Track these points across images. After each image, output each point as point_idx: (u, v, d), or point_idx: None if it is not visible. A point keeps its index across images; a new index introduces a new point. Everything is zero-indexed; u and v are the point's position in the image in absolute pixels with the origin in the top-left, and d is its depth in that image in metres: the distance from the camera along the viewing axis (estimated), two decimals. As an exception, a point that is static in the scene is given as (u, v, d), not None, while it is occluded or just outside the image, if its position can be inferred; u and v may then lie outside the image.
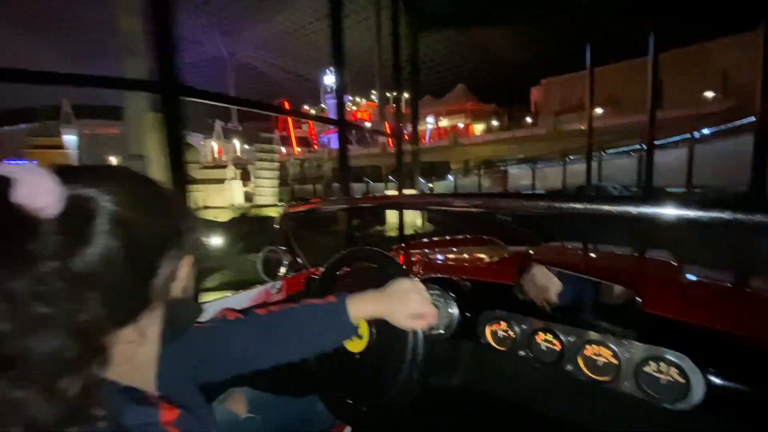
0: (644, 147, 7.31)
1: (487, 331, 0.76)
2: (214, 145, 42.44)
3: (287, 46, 59.24)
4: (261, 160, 15.66)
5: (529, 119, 37.46)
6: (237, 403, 0.87)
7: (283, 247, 1.19)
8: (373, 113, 49.91)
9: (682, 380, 0.53)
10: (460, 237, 1.67)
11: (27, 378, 0.30)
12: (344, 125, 3.64)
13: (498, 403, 0.78)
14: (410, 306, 0.66)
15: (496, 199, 0.75)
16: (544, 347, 0.68)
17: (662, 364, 0.55)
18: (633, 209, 0.53)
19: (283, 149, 48.10)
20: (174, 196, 0.51)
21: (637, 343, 0.58)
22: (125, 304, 0.42)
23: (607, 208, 0.55)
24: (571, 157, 11.23)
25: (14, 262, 0.30)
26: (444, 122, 50.28)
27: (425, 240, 1.94)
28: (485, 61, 62.62)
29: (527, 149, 16.10)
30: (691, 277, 0.95)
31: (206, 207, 12.18)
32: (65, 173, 0.37)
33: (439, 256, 1.30)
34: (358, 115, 51.04)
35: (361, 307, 0.68)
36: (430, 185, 16.78)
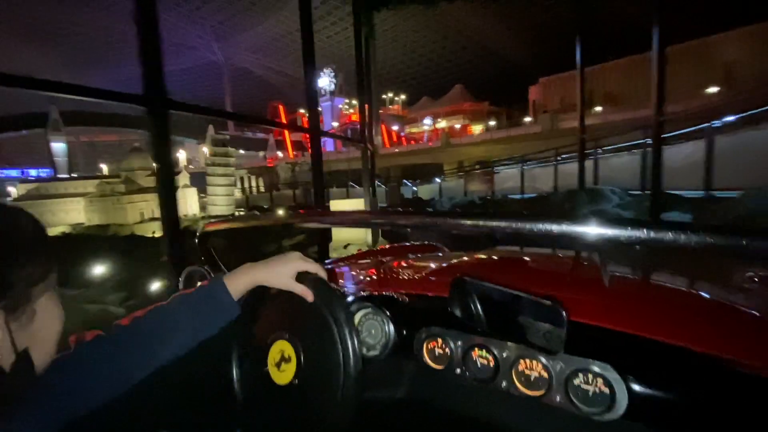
0: (648, 142, 6.08)
1: (424, 348, 0.74)
2: (206, 150, 41.78)
3: (282, 49, 58.85)
4: (214, 165, 14.45)
5: (528, 118, 36.40)
6: None
7: (206, 266, 1.14)
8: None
9: (607, 390, 0.55)
10: (401, 246, 1.67)
11: None
12: (318, 134, 3.72)
13: (437, 423, 0.76)
14: (290, 265, 0.68)
15: (424, 217, 0.70)
16: (479, 364, 0.67)
17: (589, 375, 0.56)
18: (555, 228, 0.55)
19: (280, 153, 47.58)
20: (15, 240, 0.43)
21: (566, 356, 0.59)
22: None
23: (529, 226, 0.56)
24: (564, 155, 10.14)
25: None
26: (442, 123, 49.40)
27: (361, 251, 1.84)
28: (483, 60, 61.83)
29: (523, 149, 15.04)
30: (620, 283, 0.93)
31: (152, 219, 11.15)
32: None
33: (373, 270, 1.28)
34: (353, 118, 50.14)
35: (240, 280, 0.68)
36: (415, 188, 15.88)
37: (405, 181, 17.79)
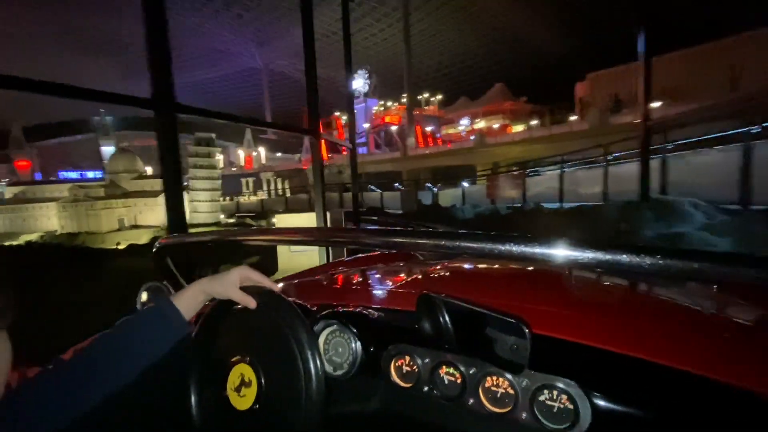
0: (755, 131, 3.98)
1: (392, 366, 0.72)
2: (241, 153, 42.18)
3: (318, 52, 58.85)
4: (196, 167, 13.01)
5: (573, 117, 33.25)
6: None
7: (164, 282, 1.09)
8: (402, 117, 47.62)
9: (571, 406, 0.54)
10: (367, 255, 1.63)
11: None
12: (317, 136, 3.51)
13: None
14: (233, 274, 0.69)
15: (390, 237, 0.71)
16: (447, 381, 0.66)
17: (554, 392, 0.56)
18: (528, 250, 0.56)
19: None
20: None
21: (532, 372, 0.58)
22: None
23: (506, 248, 0.57)
24: (616, 154, 8.01)
25: None
26: (480, 124, 46.89)
27: (334, 261, 1.89)
28: (524, 58, 58.42)
29: (566, 148, 12.84)
30: (587, 295, 0.94)
31: (134, 227, 10.18)
32: None
33: (338, 283, 1.24)
34: (387, 119, 48.87)
35: (187, 295, 0.67)
36: (435, 191, 14.01)
37: (428, 185, 16.01)
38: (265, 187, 27.33)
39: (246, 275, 0.70)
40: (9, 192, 27.09)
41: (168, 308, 0.65)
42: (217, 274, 0.70)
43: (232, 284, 0.68)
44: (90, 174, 46.29)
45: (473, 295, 0.63)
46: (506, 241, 0.56)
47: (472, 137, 33.21)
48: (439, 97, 54.09)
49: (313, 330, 0.73)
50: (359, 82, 51.55)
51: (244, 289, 0.69)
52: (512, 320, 0.56)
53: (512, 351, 0.58)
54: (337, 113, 53.06)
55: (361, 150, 48.03)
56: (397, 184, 16.19)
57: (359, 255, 1.65)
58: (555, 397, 0.56)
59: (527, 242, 0.56)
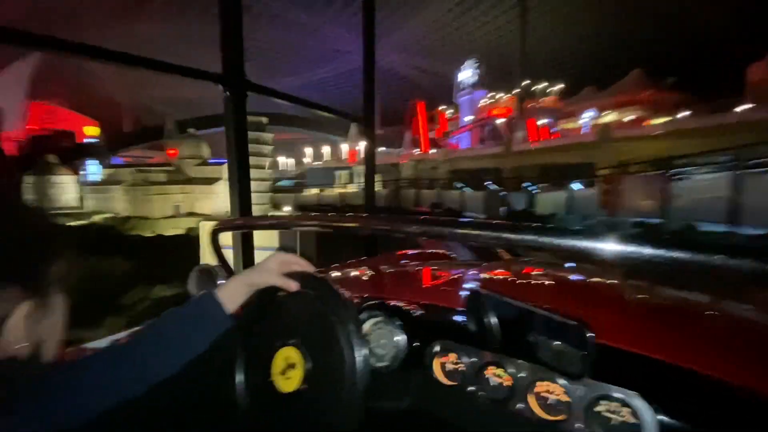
0: None
1: (436, 362, 0.71)
2: (344, 147, 43.57)
3: (426, 46, 57.79)
4: None
5: (742, 107, 25.47)
6: None
7: (216, 264, 1.12)
8: (513, 109, 43.51)
9: (634, 420, 0.51)
10: (413, 253, 1.62)
11: None
12: (368, 123, 2.88)
13: None
14: (274, 261, 0.70)
15: (437, 226, 0.67)
16: (494, 383, 0.64)
17: (613, 403, 0.53)
18: (579, 243, 0.52)
19: (416, 150, 46.54)
20: (22, 213, 0.47)
21: (589, 380, 0.55)
22: None
23: (554, 241, 0.54)
24: None
25: None
26: (609, 116, 40.04)
27: (376, 257, 1.72)
28: (671, 37, 48.22)
29: (726, 144, 9.13)
30: (656, 306, 0.90)
31: (191, 213, 10.08)
32: None
33: (385, 278, 1.23)
34: (494, 112, 45.21)
35: (231, 288, 0.69)
36: (533, 191, 11.23)
37: (527, 184, 13.33)
38: (356, 180, 27.32)
39: (285, 260, 0.72)
40: (104, 174, 30.26)
41: (211, 304, 0.67)
42: (257, 264, 0.72)
43: (271, 271, 0.70)
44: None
45: (524, 298, 0.60)
46: (551, 233, 0.52)
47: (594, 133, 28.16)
48: (559, 87, 47.92)
49: (357, 314, 0.71)
50: (467, 73, 48.67)
51: (286, 274, 0.70)
52: (574, 323, 0.53)
53: (570, 357, 0.55)
54: (442, 107, 51.23)
55: (464, 145, 45.44)
56: (488, 183, 13.94)
57: (404, 253, 1.61)
58: (614, 409, 0.52)
59: (577, 235, 0.51)
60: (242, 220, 1.32)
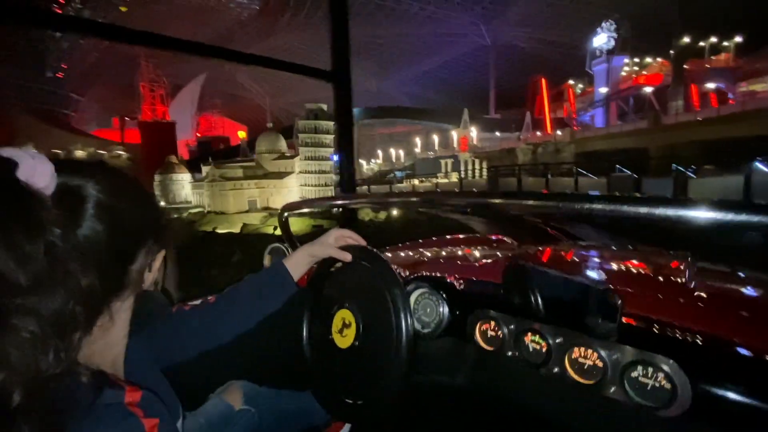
0: None
1: (477, 330, 0.78)
2: (454, 134, 41.47)
3: (550, 16, 51.07)
4: (305, 145, 11.27)
5: None
6: (233, 395, 0.92)
7: (285, 243, 1.23)
8: (665, 74, 35.31)
9: (668, 386, 0.54)
10: (466, 236, 1.74)
11: (43, 329, 0.35)
12: (343, 81, 2.15)
13: (486, 402, 0.80)
14: (331, 235, 0.82)
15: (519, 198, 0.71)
16: (531, 348, 0.69)
17: (649, 369, 0.55)
18: (658, 211, 0.52)
19: (539, 133, 41.70)
20: (153, 195, 0.57)
21: (624, 346, 0.58)
22: (103, 283, 0.43)
23: (626, 209, 0.54)
24: None
25: (30, 227, 0.36)
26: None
27: (428, 239, 1.77)
28: None
29: None
30: (686, 279, 0.91)
31: (266, 208, 9.93)
32: (62, 163, 0.44)
33: (432, 256, 1.31)
34: (641, 80, 37.37)
35: (295, 259, 0.81)
36: (690, 176, 8.06)
37: (677, 167, 9.90)
38: (462, 168, 25.41)
39: (342, 235, 0.82)
40: (204, 171, 32.45)
41: (279, 270, 0.80)
42: (317, 238, 0.82)
43: (329, 245, 0.81)
44: (335, 157, 57.50)
45: (564, 270, 0.64)
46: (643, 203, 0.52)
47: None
48: (736, 40, 36.55)
49: (405, 287, 0.77)
50: (602, 38, 41.20)
51: (342, 247, 0.81)
52: (601, 287, 0.57)
53: (601, 321, 0.57)
54: (571, 81, 44.74)
55: (599, 122, 38.82)
56: (619, 167, 10.89)
57: (455, 236, 1.72)
58: (649, 374, 0.54)
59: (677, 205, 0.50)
60: (308, 202, 1.49)
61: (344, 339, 0.77)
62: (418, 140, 46.34)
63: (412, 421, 0.81)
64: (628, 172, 10.25)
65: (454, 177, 24.12)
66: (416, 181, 27.25)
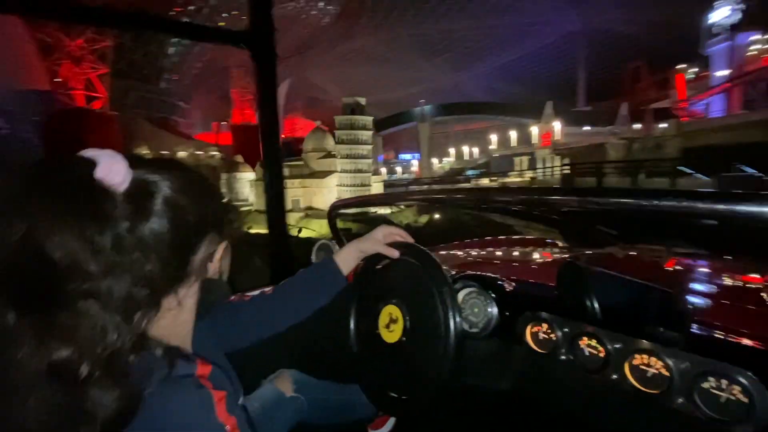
0: None
1: (528, 332, 0.75)
2: (534, 129, 38.37)
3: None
4: (341, 142, 10.25)
5: None
6: (284, 383, 0.95)
7: (332, 240, 1.25)
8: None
9: (744, 399, 0.50)
10: (515, 237, 1.72)
11: (109, 310, 0.40)
12: (267, 47, 1.84)
13: (537, 405, 0.77)
14: (378, 232, 0.84)
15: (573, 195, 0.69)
16: (587, 353, 0.66)
17: (722, 381, 0.52)
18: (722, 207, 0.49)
19: (638, 126, 36.74)
20: (217, 189, 0.61)
21: (694, 356, 0.55)
22: (169, 271, 0.48)
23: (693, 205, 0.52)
24: None
25: (101, 221, 0.41)
26: None
27: (477, 240, 1.69)
28: None
29: None
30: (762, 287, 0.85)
31: (309, 208, 9.68)
32: (135, 160, 0.48)
33: (483, 256, 1.28)
34: (772, 61, 30.97)
35: (345, 254, 0.85)
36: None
37: None
38: (540, 165, 23.24)
39: (389, 231, 0.84)
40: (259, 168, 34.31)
41: (330, 265, 0.83)
42: (365, 235, 0.84)
43: (377, 241, 0.84)
44: (407, 156, 56.43)
45: (623, 273, 0.60)
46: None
47: None
48: None
49: (453, 285, 0.76)
50: (722, 12, 34.86)
51: (389, 244, 0.82)
52: (670, 292, 0.53)
53: (666, 327, 0.54)
54: (679, 66, 38.79)
55: (716, 111, 32.97)
56: (738, 166, 8.76)
57: (507, 237, 1.67)
58: (723, 387, 0.51)
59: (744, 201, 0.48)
60: (356, 199, 1.47)
61: (391, 334, 0.78)
62: (493, 137, 43.90)
63: (456, 420, 0.79)
64: (751, 171, 8.21)
65: (528, 175, 22.21)
66: (486, 180, 25.68)
